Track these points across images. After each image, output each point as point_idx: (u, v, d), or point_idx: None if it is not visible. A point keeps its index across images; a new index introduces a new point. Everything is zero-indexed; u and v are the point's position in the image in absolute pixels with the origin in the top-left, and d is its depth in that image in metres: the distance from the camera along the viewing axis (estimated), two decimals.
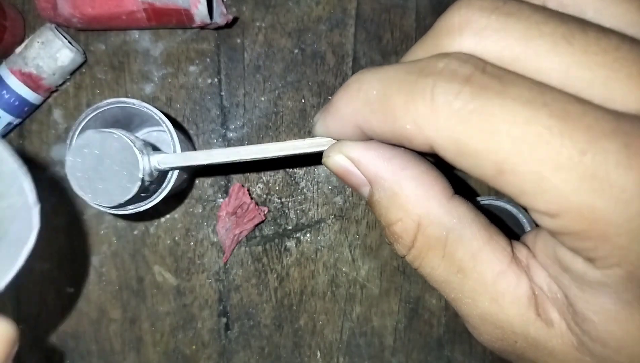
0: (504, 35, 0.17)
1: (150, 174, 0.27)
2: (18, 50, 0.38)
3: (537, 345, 0.19)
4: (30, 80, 0.37)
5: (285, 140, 0.27)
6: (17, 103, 0.37)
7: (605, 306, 0.16)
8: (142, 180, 0.26)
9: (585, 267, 0.16)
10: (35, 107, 0.39)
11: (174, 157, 0.27)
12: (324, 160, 0.22)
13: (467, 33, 0.17)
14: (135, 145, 0.26)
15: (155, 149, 0.28)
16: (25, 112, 0.39)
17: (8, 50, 0.39)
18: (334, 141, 0.22)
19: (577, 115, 0.15)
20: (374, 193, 0.21)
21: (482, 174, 0.16)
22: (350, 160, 0.21)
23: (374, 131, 0.19)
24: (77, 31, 0.40)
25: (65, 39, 0.38)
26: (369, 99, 0.18)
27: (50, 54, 0.37)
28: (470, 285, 0.19)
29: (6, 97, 0.37)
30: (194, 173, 0.41)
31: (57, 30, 0.38)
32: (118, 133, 0.26)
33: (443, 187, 0.20)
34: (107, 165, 0.26)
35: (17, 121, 0.38)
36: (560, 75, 0.16)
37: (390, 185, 0.20)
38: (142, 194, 0.29)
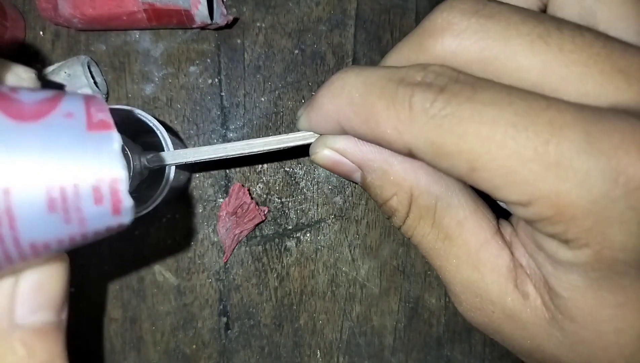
0: (483, 36, 0.18)
1: (141, 173, 0.27)
2: (45, 71, 0.37)
3: (512, 317, 0.19)
4: None
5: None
6: None
7: (575, 283, 0.17)
8: (132, 178, 0.27)
9: (558, 247, 0.17)
10: None
11: (163, 155, 0.28)
12: (312, 156, 0.23)
13: (449, 35, 0.18)
14: (125, 143, 0.27)
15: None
16: None
17: (8, 50, 0.39)
18: (317, 135, 0.23)
19: (540, 109, 0.16)
20: (366, 176, 0.22)
21: (458, 173, 0.17)
22: (336, 151, 0.22)
23: (355, 131, 0.20)
24: (78, 31, 0.40)
25: (93, 78, 0.37)
26: (352, 100, 0.19)
27: (72, 88, 0.36)
28: (455, 252, 0.20)
29: None
30: (191, 172, 0.41)
31: (88, 66, 0.38)
32: None
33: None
34: None
35: None
36: (538, 72, 0.17)
37: (379, 164, 0.21)
38: (134, 195, 0.29)
